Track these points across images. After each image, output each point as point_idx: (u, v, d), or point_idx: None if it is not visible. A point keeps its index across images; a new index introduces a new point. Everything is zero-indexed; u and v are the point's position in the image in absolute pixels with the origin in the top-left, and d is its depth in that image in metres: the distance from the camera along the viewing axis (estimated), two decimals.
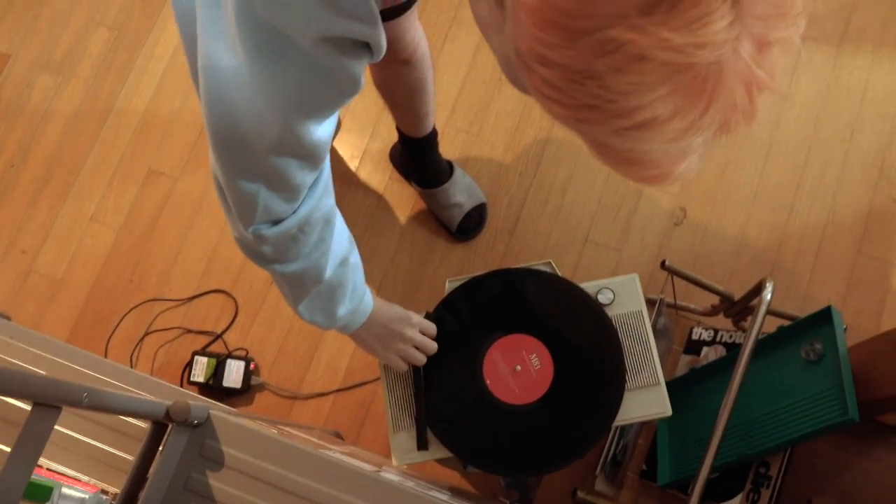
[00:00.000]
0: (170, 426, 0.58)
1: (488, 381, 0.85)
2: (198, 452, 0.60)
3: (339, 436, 1.25)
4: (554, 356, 0.86)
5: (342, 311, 0.75)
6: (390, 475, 0.68)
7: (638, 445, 1.22)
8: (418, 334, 0.85)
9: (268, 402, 1.33)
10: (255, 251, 0.65)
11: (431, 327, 0.86)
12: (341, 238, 0.70)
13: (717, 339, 1.21)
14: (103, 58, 1.53)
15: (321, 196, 0.63)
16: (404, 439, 0.88)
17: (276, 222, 0.61)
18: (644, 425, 1.21)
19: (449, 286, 0.93)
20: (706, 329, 1.22)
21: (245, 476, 0.59)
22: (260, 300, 1.39)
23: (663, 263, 1.09)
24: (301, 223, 0.62)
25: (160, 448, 0.58)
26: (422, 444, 0.87)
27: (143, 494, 0.55)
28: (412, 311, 0.92)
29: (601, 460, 1.09)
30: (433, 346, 0.85)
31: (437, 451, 0.86)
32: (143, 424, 0.62)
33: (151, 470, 0.57)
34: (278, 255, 0.65)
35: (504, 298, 0.89)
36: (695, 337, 1.24)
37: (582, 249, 1.34)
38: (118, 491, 0.56)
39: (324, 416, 1.32)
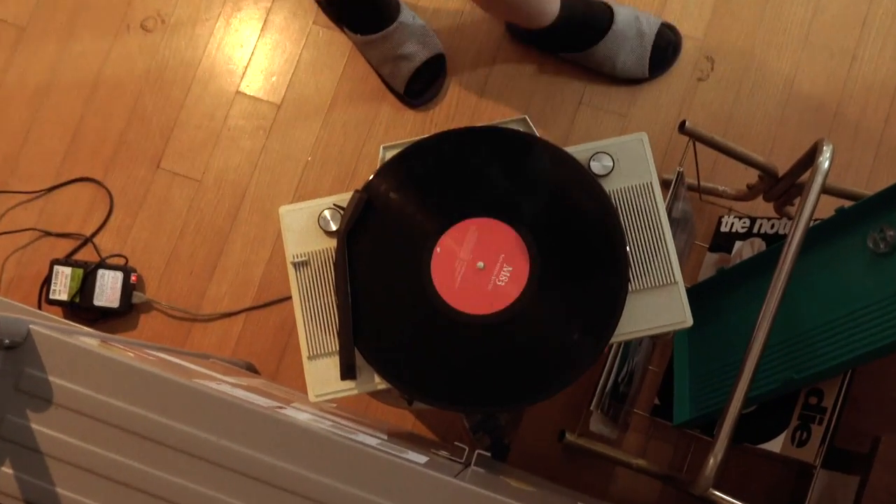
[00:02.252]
0: None
1: (438, 285, 0.82)
2: (13, 385, 0.56)
3: (252, 369, 1.27)
4: (529, 247, 0.82)
5: None
6: (298, 413, 0.67)
7: (648, 373, 1.22)
8: None
9: (157, 326, 1.32)
10: None
11: None
12: None
13: (755, 230, 1.18)
14: None
15: None
16: (325, 367, 0.85)
17: None
18: (656, 344, 1.20)
19: (384, 154, 0.87)
20: (739, 218, 1.21)
21: (83, 417, 0.56)
22: (143, 191, 1.36)
23: (683, 125, 1.04)
24: None
25: None
26: (347, 373, 0.82)
27: None
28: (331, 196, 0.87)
29: (597, 392, 1.06)
30: None
31: (368, 381, 0.84)
32: None
33: None
34: None
35: (460, 169, 0.85)
36: (724, 229, 1.22)
37: (574, 116, 1.32)
38: None
39: (231, 344, 1.32)
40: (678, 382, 1.14)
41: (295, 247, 0.86)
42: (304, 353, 0.86)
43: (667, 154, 1.29)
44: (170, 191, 1.36)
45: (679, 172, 1.11)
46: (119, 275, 1.29)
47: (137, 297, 1.31)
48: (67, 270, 1.27)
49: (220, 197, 1.36)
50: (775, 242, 1.14)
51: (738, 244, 1.19)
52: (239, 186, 1.36)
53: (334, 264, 0.84)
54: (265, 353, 1.34)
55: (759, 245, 1.17)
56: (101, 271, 1.29)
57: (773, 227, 1.17)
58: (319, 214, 0.86)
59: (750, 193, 1.13)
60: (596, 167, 0.86)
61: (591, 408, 1.05)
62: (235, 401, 0.58)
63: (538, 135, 0.86)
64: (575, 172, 0.85)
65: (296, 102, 1.38)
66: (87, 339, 0.62)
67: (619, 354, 1.08)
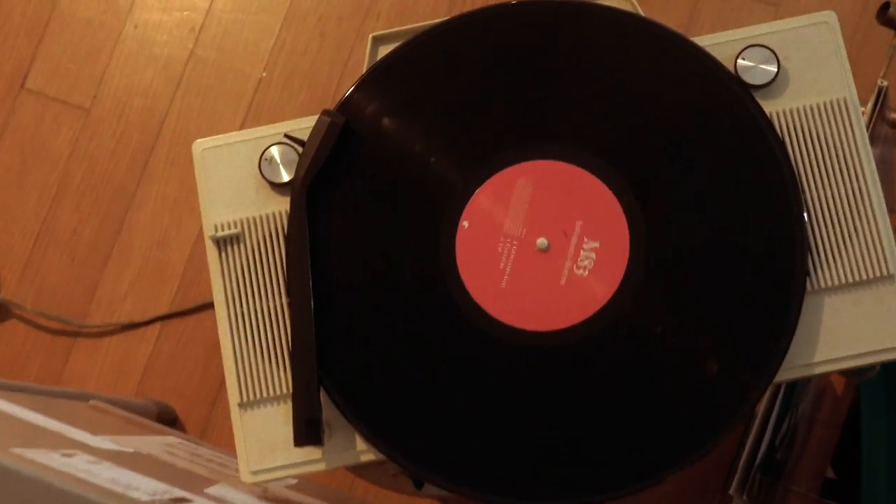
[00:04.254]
0: None
1: (469, 280, 0.79)
2: None
3: (168, 416, 1.26)
4: (629, 212, 0.79)
5: None
6: None
7: (815, 426, 1.18)
8: None
9: (17, 342, 1.33)
10: None
11: None
12: None
13: None
14: None
15: None
16: (268, 421, 0.82)
17: None
18: (826, 386, 1.18)
19: (376, 50, 0.86)
20: None
21: None
22: None
23: (885, 9, 1.04)
24: None
25: None
26: (306, 433, 0.78)
27: None
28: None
29: (741, 464, 1.02)
30: None
31: (344, 448, 0.81)
32: None
33: None
34: None
35: (505, 76, 0.82)
36: None
37: (696, 3, 1.31)
38: None
39: (136, 373, 1.31)
40: (869, 447, 1.09)
41: (218, 210, 0.83)
42: (234, 398, 0.82)
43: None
44: (40, 125, 1.35)
45: (881, 89, 1.07)
46: None
47: None
48: None
49: (121, 136, 1.34)
50: None
51: None
52: (151, 119, 1.34)
53: (286, 240, 0.81)
54: (191, 389, 1.31)
55: None
56: None
57: None
58: (262, 154, 0.82)
59: None
60: (748, 71, 0.81)
61: (731, 491, 1.02)
62: (78, 491, 0.55)
63: (644, 15, 0.83)
64: (711, 80, 0.81)
65: None
66: None
67: (780, 401, 1.06)
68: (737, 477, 1.03)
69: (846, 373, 0.95)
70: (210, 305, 1.30)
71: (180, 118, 1.34)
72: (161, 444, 0.95)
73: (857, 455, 1.14)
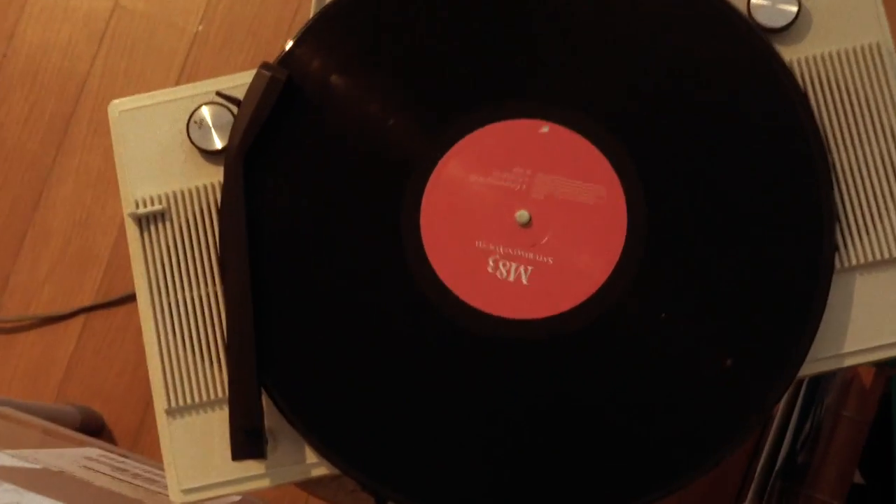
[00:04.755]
0: None
1: (437, 261, 0.79)
2: None
3: (93, 424, 1.26)
4: (624, 176, 0.78)
5: None
6: None
7: (842, 427, 1.17)
8: None
9: None
10: None
11: None
12: None
13: None
14: None
15: None
16: (201, 431, 0.82)
17: None
18: (853, 377, 1.18)
19: None
20: None
21: None
22: None
23: None
24: None
25: None
26: (246, 445, 0.77)
27: None
28: None
29: (758, 469, 1.05)
30: None
31: (292, 462, 0.81)
32: None
33: None
34: None
35: (478, 16, 0.82)
36: None
37: None
38: None
39: (57, 373, 1.30)
40: None
41: (140, 182, 0.83)
42: (160, 403, 0.81)
43: None
44: None
45: None
46: None
47: None
48: None
49: (35, 101, 1.32)
50: None
51: None
52: (70, 81, 1.33)
53: (220, 217, 0.80)
54: (120, 392, 1.30)
55: None
56: None
57: None
58: (191, 116, 0.81)
59: None
60: (764, 11, 0.80)
61: (747, 501, 1.04)
62: None
63: None
64: (720, 22, 0.80)
65: None
66: None
67: (802, 397, 1.08)
68: (753, 484, 1.03)
69: (878, 363, 0.96)
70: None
71: (104, 80, 1.33)
72: (79, 457, 0.94)
73: (888, 457, 1.15)
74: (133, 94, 1.23)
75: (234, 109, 0.79)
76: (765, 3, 0.79)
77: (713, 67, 0.79)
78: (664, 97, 0.79)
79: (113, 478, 0.91)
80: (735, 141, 0.78)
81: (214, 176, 0.81)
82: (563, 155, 0.79)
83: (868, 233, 0.78)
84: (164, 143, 0.82)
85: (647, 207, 0.78)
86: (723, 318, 0.77)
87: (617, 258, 0.77)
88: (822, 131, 0.78)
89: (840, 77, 0.79)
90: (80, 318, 1.31)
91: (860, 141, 0.79)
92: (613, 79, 0.80)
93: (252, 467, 0.79)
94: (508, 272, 0.78)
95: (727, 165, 0.78)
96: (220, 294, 0.81)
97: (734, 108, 0.79)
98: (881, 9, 0.80)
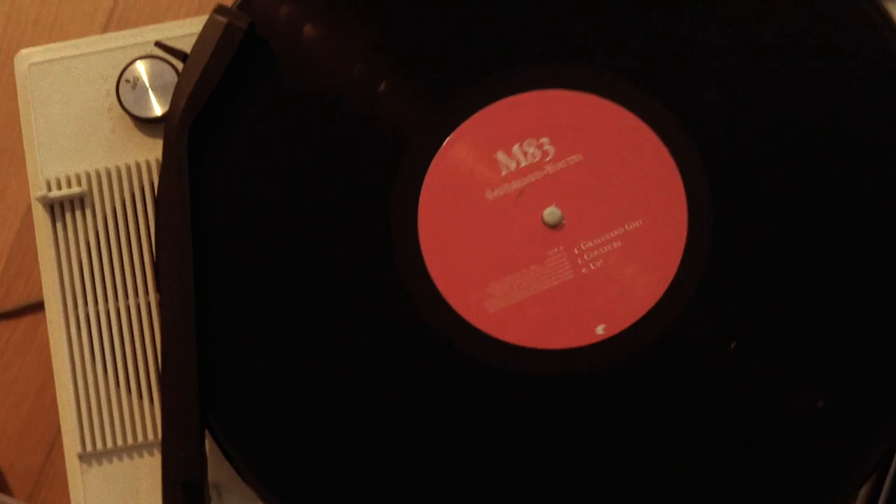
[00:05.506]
0: None
1: (436, 273, 0.76)
2: None
3: None
4: (686, 168, 0.76)
5: None
6: None
7: None
8: None
9: None
10: None
11: None
12: None
13: None
14: None
15: None
16: (122, 482, 0.80)
17: None
18: None
19: None
20: None
21: None
22: None
23: None
24: None
25: None
26: (184, 502, 0.75)
27: None
28: None
29: None
30: None
31: None
32: None
33: None
34: None
35: None
36: None
37: None
38: None
39: None
40: None
41: (53, 158, 0.81)
42: (72, 446, 0.79)
43: None
44: None
45: None
46: None
47: None
48: None
49: None
50: None
51: None
52: None
53: (157, 206, 0.76)
54: (17, 428, 1.25)
55: None
56: None
57: None
58: (122, 74, 0.79)
59: None
60: None
61: None
62: None
63: None
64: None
65: None
66: None
67: None
68: None
69: None
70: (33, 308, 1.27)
71: (8, 28, 1.28)
72: None
73: None
74: (44, 44, 1.19)
75: (179, 66, 0.75)
76: None
77: (823, 41, 0.76)
78: (759, 81, 0.75)
79: None
80: (843, 137, 0.75)
81: (151, 152, 0.77)
82: (615, 141, 0.75)
83: None
84: (87, 108, 0.78)
85: (714, 216, 0.74)
86: (812, 351, 0.73)
87: (673, 274, 0.73)
88: None
89: None
90: None
91: None
92: (697, 54, 0.76)
93: None
94: (532, 283, 0.74)
95: (832, 169, 0.74)
96: (153, 306, 0.77)
97: (846, 95, 0.75)
98: None
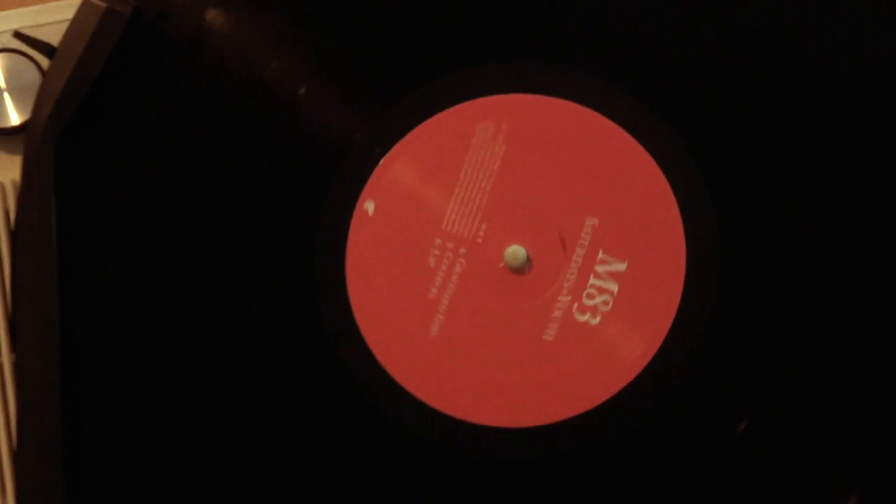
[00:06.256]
0: None
1: (363, 319, 0.75)
2: None
3: None
4: (690, 210, 0.73)
5: None
6: None
7: None
8: None
9: None
10: None
11: None
12: None
13: None
14: None
15: None
16: None
17: None
18: None
19: None
20: None
21: None
22: None
23: None
24: None
25: None
26: None
27: None
28: None
29: None
30: None
31: None
32: None
33: None
34: None
35: None
36: None
37: None
38: None
39: None
40: None
41: None
42: None
43: None
44: None
45: None
46: None
47: None
48: None
49: None
50: None
51: None
52: None
53: (13, 239, 0.77)
54: None
55: None
56: None
57: None
58: None
59: None
60: None
61: None
62: None
63: None
64: None
65: None
66: None
67: None
68: None
69: None
70: None
71: None
72: None
73: None
74: None
75: (45, 62, 0.74)
76: None
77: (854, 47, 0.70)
78: (771, 87, 0.70)
79: None
80: (877, 159, 0.69)
81: (7, 171, 0.76)
82: (596, 160, 0.72)
83: None
84: None
85: (721, 264, 0.70)
86: (839, 435, 0.68)
87: (665, 334, 0.70)
88: None
89: None
90: None
91: None
92: (698, 53, 0.72)
93: None
94: (483, 344, 0.71)
95: (863, 200, 0.68)
96: (7, 367, 0.76)
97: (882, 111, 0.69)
98: None
